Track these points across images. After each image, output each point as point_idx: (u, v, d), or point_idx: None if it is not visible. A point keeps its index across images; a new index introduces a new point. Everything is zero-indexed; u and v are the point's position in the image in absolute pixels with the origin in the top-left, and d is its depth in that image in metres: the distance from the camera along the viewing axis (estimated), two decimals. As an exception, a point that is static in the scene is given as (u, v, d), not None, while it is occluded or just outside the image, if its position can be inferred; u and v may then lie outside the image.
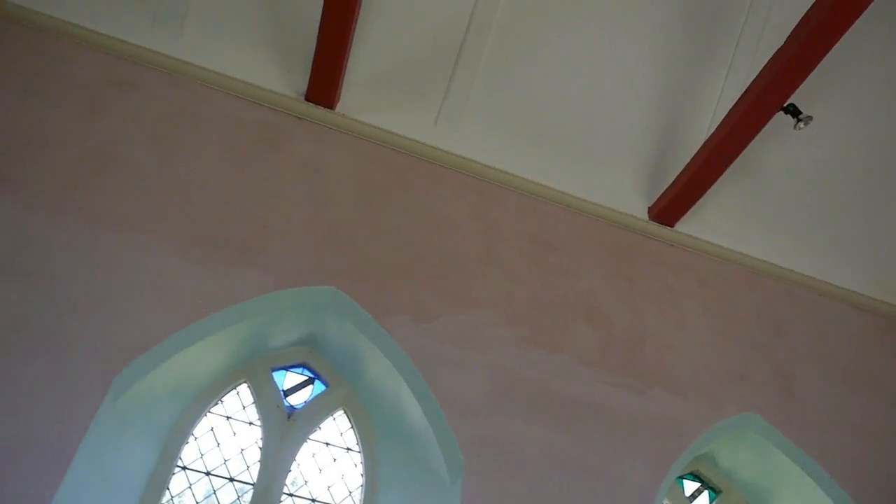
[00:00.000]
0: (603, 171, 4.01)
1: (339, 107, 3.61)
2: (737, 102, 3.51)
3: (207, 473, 3.09)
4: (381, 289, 3.25)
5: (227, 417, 3.25)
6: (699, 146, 3.77)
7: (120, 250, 2.93)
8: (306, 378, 3.44)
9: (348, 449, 3.33)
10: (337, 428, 3.37)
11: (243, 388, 3.31)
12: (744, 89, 3.49)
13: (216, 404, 3.24)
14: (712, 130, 3.68)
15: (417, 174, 3.62)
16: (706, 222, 4.06)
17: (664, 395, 3.41)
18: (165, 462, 2.98)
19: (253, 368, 3.33)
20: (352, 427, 3.37)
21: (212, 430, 3.20)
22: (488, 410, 3.11)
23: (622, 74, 3.93)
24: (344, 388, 3.41)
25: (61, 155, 3.06)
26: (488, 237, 3.59)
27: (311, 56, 3.41)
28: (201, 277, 2.99)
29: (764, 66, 3.37)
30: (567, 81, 3.90)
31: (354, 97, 3.66)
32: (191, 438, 3.12)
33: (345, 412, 3.39)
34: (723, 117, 3.61)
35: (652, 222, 3.96)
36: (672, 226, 3.97)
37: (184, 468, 3.06)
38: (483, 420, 3.08)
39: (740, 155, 3.62)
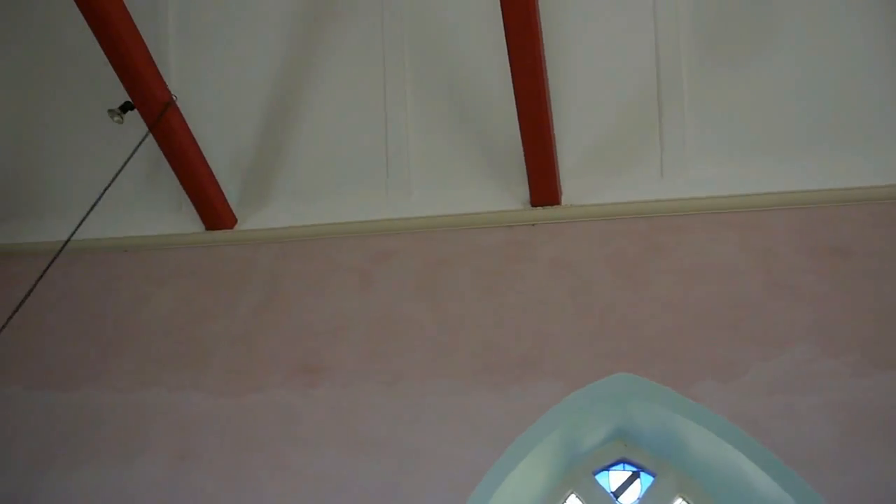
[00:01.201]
0: (871, 148, 3.47)
1: (564, 199, 3.67)
2: None
3: None
4: (674, 359, 3.08)
5: (569, 533, 3.21)
6: None
7: (424, 398, 3.20)
8: (630, 473, 3.29)
9: (703, 538, 3.06)
10: (682, 518, 3.13)
11: (572, 500, 3.26)
12: None
13: (553, 522, 3.23)
14: None
15: (666, 232, 3.47)
16: None
17: None
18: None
19: (575, 477, 3.28)
20: (698, 513, 3.11)
21: (558, 548, 3.17)
22: (848, 459, 2.67)
23: (852, 35, 3.46)
24: (673, 474, 3.19)
25: (354, 333, 3.49)
26: (768, 268, 3.26)
27: (524, 165, 3.56)
28: (500, 401, 3.12)
29: None
30: (786, 77, 3.54)
31: (575, 185, 3.70)
32: (542, 562, 3.12)
33: (683, 499, 3.15)
34: None
35: (963, 180, 3.28)
36: None
37: None
38: (847, 472, 2.64)
39: None
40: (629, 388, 3.11)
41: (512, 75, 3.24)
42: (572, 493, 3.26)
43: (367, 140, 4.00)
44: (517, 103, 3.33)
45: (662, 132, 3.64)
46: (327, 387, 3.34)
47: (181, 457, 3.23)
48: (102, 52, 3.62)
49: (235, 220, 4.14)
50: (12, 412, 3.57)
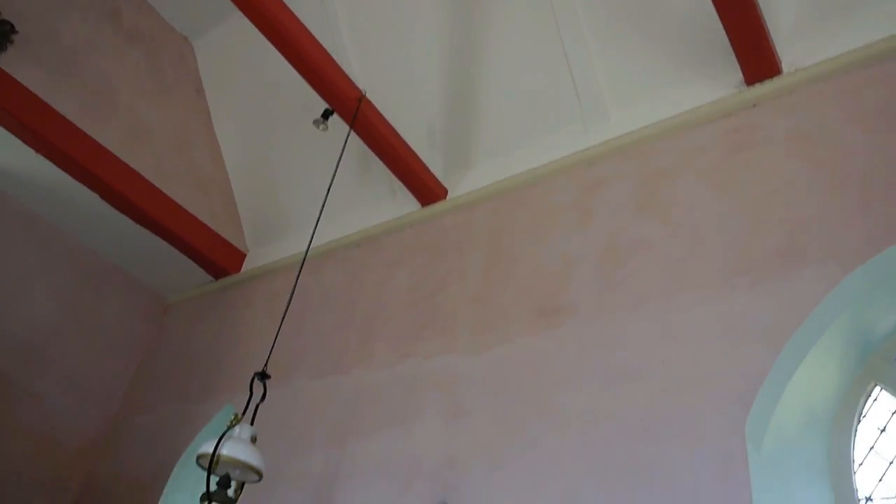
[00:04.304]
0: None
1: (786, 66, 3.22)
2: None
3: (901, 497, 2.66)
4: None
5: (881, 429, 2.81)
6: None
7: (676, 315, 2.99)
8: (945, 351, 2.79)
9: None
10: None
11: (878, 392, 2.85)
12: None
13: (860, 421, 2.85)
14: None
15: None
16: None
17: None
18: (845, 497, 2.69)
19: (875, 367, 2.86)
20: None
21: (871, 448, 2.79)
22: None
23: None
24: None
25: (585, 268, 3.39)
26: None
27: (727, 44, 3.19)
28: (763, 300, 2.78)
29: None
30: None
31: (795, 48, 3.22)
32: (856, 466, 2.77)
33: None
34: None
35: None
36: None
37: (868, 499, 2.70)
38: None
39: None
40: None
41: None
42: (876, 385, 2.85)
43: (551, 74, 3.89)
44: (703, -24, 2.99)
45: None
46: (571, 325, 3.28)
47: (453, 415, 3.38)
48: (297, 74, 3.93)
49: (446, 191, 4.27)
50: (304, 399, 4.05)
